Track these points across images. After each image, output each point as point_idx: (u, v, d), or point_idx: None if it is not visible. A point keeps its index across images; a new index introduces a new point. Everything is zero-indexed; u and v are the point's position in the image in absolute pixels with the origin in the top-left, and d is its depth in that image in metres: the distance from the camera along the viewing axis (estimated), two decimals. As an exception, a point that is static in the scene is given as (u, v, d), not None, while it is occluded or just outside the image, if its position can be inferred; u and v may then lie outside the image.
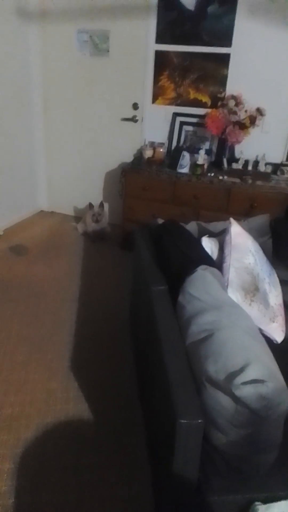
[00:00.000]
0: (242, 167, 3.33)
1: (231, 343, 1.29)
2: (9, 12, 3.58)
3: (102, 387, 2.20)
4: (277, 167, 3.39)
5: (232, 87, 3.48)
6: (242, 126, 3.34)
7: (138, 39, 3.57)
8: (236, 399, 1.17)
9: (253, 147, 3.49)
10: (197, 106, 3.65)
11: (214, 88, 3.56)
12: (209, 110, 3.55)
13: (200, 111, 3.62)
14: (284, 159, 3.51)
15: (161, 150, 3.64)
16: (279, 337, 1.85)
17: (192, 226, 2.24)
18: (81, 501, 1.63)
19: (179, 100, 3.71)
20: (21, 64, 3.86)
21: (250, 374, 1.16)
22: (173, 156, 3.50)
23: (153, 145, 3.69)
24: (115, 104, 3.85)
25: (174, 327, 1.52)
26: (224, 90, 3.52)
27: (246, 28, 3.29)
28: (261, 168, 3.29)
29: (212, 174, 3.29)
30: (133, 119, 3.83)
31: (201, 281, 1.61)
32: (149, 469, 1.75)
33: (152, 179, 3.40)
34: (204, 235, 2.04)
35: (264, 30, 3.26)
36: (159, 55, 3.61)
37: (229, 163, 3.39)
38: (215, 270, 1.72)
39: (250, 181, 3.17)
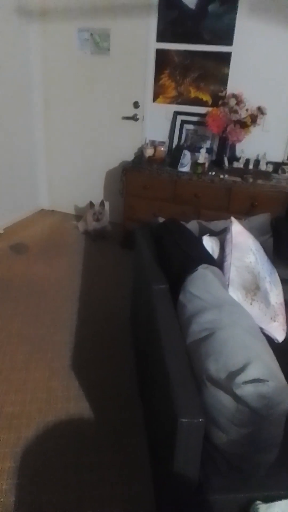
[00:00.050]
0: (243, 166, 3.33)
1: (232, 342, 1.29)
2: (10, 10, 3.57)
3: (102, 386, 2.20)
4: (278, 166, 3.38)
5: (233, 86, 3.47)
6: (243, 125, 3.33)
7: (139, 37, 3.57)
8: (237, 398, 1.17)
9: (254, 146, 3.48)
10: (198, 104, 3.64)
11: (215, 87, 3.55)
12: (210, 108, 3.55)
13: (201, 109, 3.62)
14: (285, 158, 3.51)
15: (162, 148, 3.63)
16: (280, 336, 1.85)
17: (193, 225, 2.24)
18: (82, 500, 1.63)
19: (180, 99, 3.70)
20: (21, 63, 3.86)
21: (251, 373, 1.16)
22: (174, 154, 3.49)
23: (154, 144, 3.69)
24: (116, 102, 3.85)
25: (175, 326, 1.52)
26: (225, 88, 3.51)
27: (247, 27, 3.28)
28: (262, 167, 3.29)
29: (213, 173, 3.29)
30: (133, 118, 3.83)
31: (202, 280, 1.60)
32: (149, 468, 1.75)
33: (153, 178, 3.39)
34: (205, 234, 2.04)
35: (265, 28, 3.25)
36: (160, 53, 3.60)
37: (230, 162, 3.38)
38: (216, 269, 1.71)
39: (251, 180, 3.16)
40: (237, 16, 3.27)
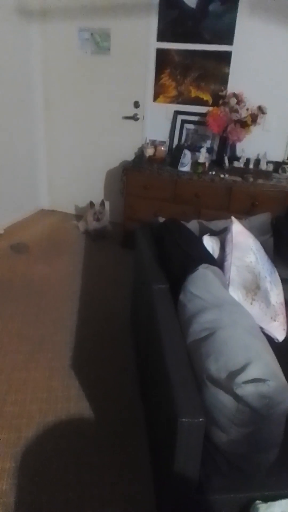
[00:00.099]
0: (244, 165, 3.33)
1: (232, 342, 1.29)
2: (10, 10, 3.57)
3: (103, 386, 2.20)
4: (278, 166, 3.38)
5: (233, 85, 3.47)
6: (244, 125, 3.33)
7: (140, 37, 3.57)
8: (237, 398, 1.16)
9: (254, 146, 3.48)
10: (199, 104, 3.64)
11: (215, 86, 3.55)
12: (210, 108, 3.55)
13: (202, 109, 3.62)
14: (286, 158, 3.50)
15: (162, 148, 3.63)
16: (280, 336, 1.84)
17: (193, 225, 2.23)
18: (82, 500, 1.63)
19: (180, 98, 3.70)
20: (22, 63, 3.85)
21: (252, 373, 1.16)
22: (174, 154, 3.49)
23: (154, 144, 3.69)
24: (116, 102, 3.85)
25: (175, 326, 1.51)
26: (226, 88, 3.51)
27: (247, 26, 3.28)
28: (263, 166, 3.29)
29: (214, 173, 3.29)
30: (134, 118, 3.83)
31: (202, 280, 1.60)
32: (149, 468, 1.74)
33: (153, 178, 3.39)
34: (205, 233, 2.03)
35: (265, 28, 3.25)
36: (160, 53, 3.60)
37: (230, 162, 3.38)
38: (216, 269, 1.71)
39: (251, 179, 3.16)
40: (238, 15, 3.27)
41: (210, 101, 3.60)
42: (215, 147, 3.64)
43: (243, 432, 1.20)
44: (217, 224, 2.21)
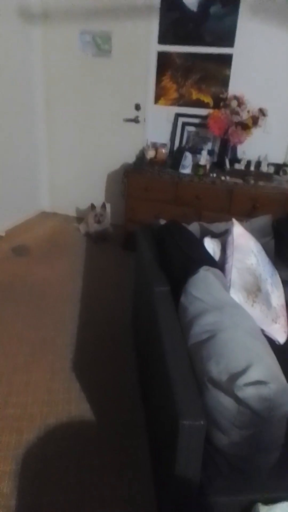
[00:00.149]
0: (244, 167, 3.33)
1: (233, 344, 1.29)
2: (12, 13, 3.58)
3: (104, 388, 2.20)
4: (279, 168, 3.38)
5: (234, 88, 3.48)
6: (245, 127, 3.34)
7: (141, 40, 3.58)
8: (238, 400, 1.16)
9: (255, 148, 3.49)
10: (200, 106, 3.65)
11: (216, 89, 3.56)
12: (211, 110, 3.55)
13: (203, 111, 3.62)
14: (287, 160, 3.51)
15: (163, 150, 3.64)
16: (281, 338, 1.84)
17: (194, 227, 2.24)
18: (83, 501, 1.63)
19: (181, 101, 3.71)
20: (23, 65, 3.87)
21: (253, 375, 1.16)
22: (175, 156, 3.50)
23: (155, 146, 3.69)
24: (117, 104, 3.86)
25: (176, 328, 1.52)
26: (227, 90, 3.52)
27: (248, 29, 3.29)
28: (264, 168, 3.29)
29: (214, 175, 3.29)
30: (135, 120, 3.83)
31: (203, 282, 1.60)
32: (150, 470, 1.74)
33: (154, 180, 3.40)
34: (206, 235, 2.04)
35: (266, 30, 3.26)
36: (161, 55, 3.61)
37: (231, 164, 3.38)
38: (217, 271, 1.71)
39: (252, 181, 3.16)
40: (239, 18, 3.28)
41: (211, 104, 3.61)
42: (216, 149, 3.65)
43: (244, 434, 1.20)
44: (218, 226, 2.22)
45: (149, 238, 2.17)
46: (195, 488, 1.23)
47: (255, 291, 1.79)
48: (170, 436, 1.25)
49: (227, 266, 1.81)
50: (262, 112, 3.36)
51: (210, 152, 3.57)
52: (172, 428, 1.18)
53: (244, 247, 1.88)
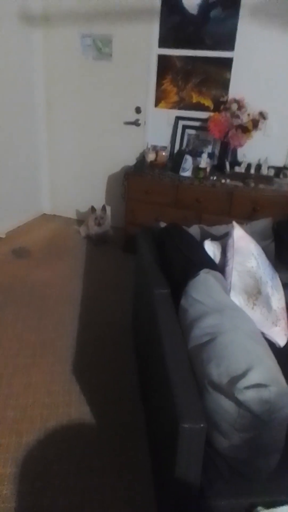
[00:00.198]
0: (245, 170, 3.34)
1: (234, 347, 1.29)
2: (13, 16, 3.60)
3: (104, 391, 2.20)
4: (279, 171, 3.39)
5: (234, 91, 3.49)
6: (245, 130, 3.34)
7: (141, 43, 3.59)
8: (238, 403, 1.16)
9: (255, 151, 3.49)
10: (200, 109, 3.66)
11: (216, 92, 3.57)
12: (211, 113, 3.56)
13: (203, 114, 3.63)
14: (287, 163, 3.51)
15: (164, 153, 3.64)
16: (281, 341, 1.84)
17: (194, 230, 2.24)
18: (83, 504, 1.62)
19: (182, 104, 3.72)
20: (24, 68, 3.88)
21: (253, 378, 1.16)
22: (175, 159, 3.50)
23: (155, 149, 3.70)
24: (118, 107, 3.87)
25: (177, 331, 1.52)
26: (227, 94, 3.53)
27: (249, 32, 3.30)
28: (264, 171, 3.30)
29: (215, 178, 3.29)
30: (135, 123, 3.84)
31: (203, 285, 1.61)
32: (150, 473, 1.74)
33: (154, 183, 3.40)
34: (206, 238, 2.04)
35: (267, 34, 3.27)
36: (162, 59, 3.62)
37: (232, 167, 3.39)
38: (218, 274, 1.71)
39: (252, 184, 3.17)
40: (239, 21, 3.29)
41: (211, 107, 3.62)
42: (216, 152, 3.65)
43: (244, 438, 1.20)
44: (218, 229, 2.22)
45: (149, 241, 2.17)
46: (195, 491, 1.23)
47: (256, 294, 1.79)
48: (170, 438, 1.25)
49: (228, 268, 1.82)
50: (262, 115, 3.37)
51: (211, 155, 3.58)
52: (172, 431, 1.18)
53: (245, 250, 1.88)
